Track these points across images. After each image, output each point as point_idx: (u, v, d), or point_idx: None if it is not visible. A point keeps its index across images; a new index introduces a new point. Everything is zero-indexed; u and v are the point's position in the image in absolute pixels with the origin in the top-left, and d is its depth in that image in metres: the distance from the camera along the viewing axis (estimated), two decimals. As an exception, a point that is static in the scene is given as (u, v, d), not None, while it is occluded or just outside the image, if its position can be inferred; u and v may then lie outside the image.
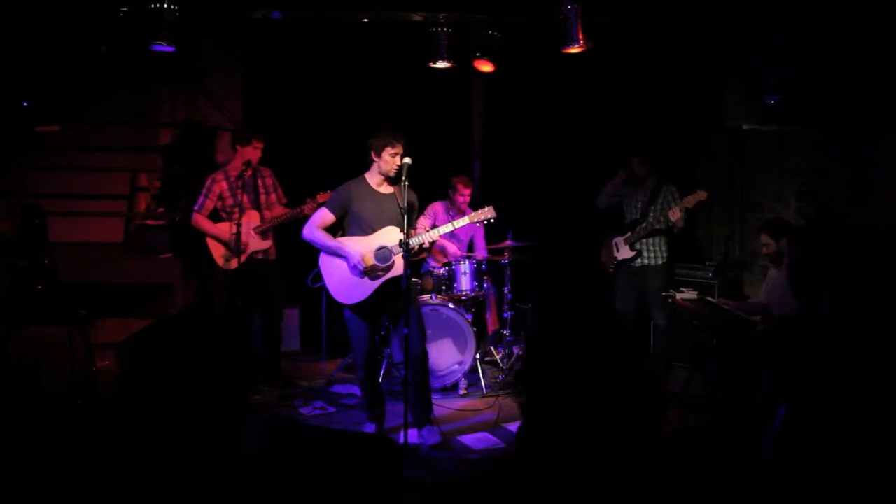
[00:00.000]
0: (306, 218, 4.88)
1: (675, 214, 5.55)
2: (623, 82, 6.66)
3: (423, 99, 6.67)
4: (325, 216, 4.59)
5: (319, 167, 6.13)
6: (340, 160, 5.24)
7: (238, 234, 5.30)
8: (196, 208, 5.52)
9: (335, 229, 4.71)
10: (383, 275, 4.51)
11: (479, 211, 4.75)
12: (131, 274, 6.42)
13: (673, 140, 6.63)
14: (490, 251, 6.46)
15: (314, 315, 6.52)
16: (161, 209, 7.07)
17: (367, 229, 4.55)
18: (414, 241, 4.48)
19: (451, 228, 4.76)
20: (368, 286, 4.52)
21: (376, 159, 4.55)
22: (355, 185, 4.61)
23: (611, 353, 1.42)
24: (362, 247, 4.53)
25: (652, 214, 5.73)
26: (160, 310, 6.28)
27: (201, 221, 5.52)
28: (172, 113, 7.06)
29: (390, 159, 4.49)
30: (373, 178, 4.60)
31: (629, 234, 5.88)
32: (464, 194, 6.26)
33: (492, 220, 4.72)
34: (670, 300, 5.38)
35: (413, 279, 4.70)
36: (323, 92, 6.79)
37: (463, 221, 4.76)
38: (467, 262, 5.94)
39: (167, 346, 1.42)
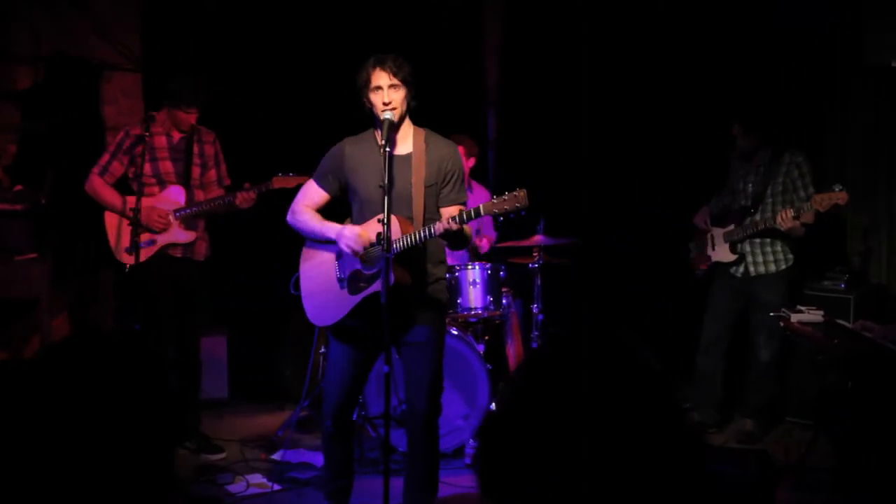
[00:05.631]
0: (242, 212, 5.09)
1: (787, 221, 5.48)
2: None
3: (419, 30, 6.72)
4: (311, 192, 4.51)
5: (266, 136, 6.45)
6: (299, 124, 5.17)
7: (138, 209, 5.27)
8: (97, 170, 5.56)
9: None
10: (366, 287, 4.33)
11: (503, 198, 4.26)
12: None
13: (784, 92, 6.62)
14: (512, 250, 6.42)
15: (251, 345, 6.71)
16: (18, 187, 7.06)
17: (370, 211, 4.33)
18: (404, 242, 4.21)
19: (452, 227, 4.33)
20: (347, 301, 4.37)
21: (366, 102, 4.37)
22: (353, 144, 4.45)
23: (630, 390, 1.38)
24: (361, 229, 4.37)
25: (770, 203, 5.77)
26: (19, 337, 6.32)
27: (101, 189, 5.51)
28: (35, 45, 7.07)
29: (373, 98, 4.27)
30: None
31: (732, 226, 5.93)
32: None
33: (522, 214, 4.38)
34: (782, 323, 5.32)
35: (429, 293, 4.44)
36: (267, 20, 6.86)
37: (473, 213, 4.31)
38: (478, 268, 5.92)
39: (39, 393, 1.43)
